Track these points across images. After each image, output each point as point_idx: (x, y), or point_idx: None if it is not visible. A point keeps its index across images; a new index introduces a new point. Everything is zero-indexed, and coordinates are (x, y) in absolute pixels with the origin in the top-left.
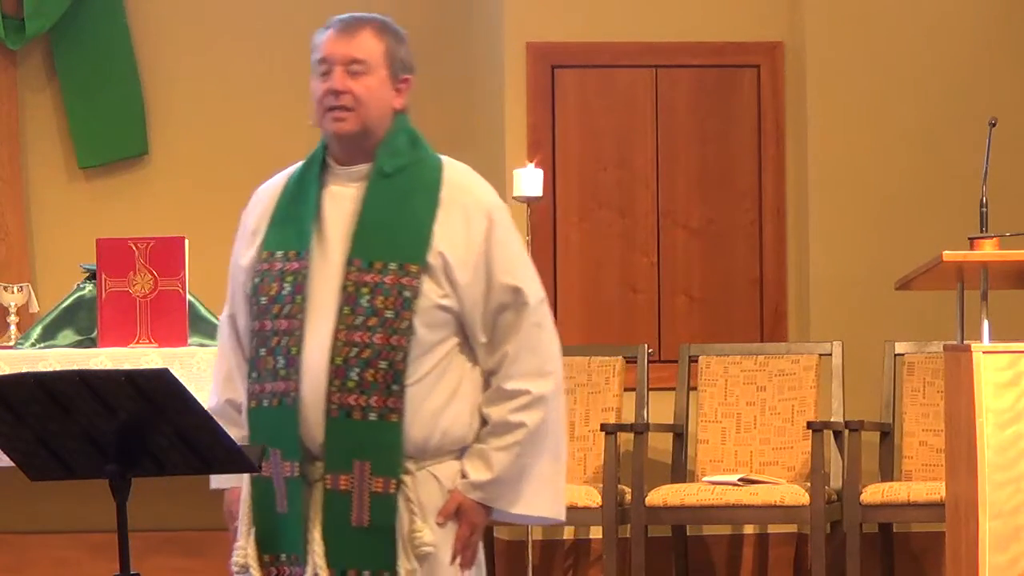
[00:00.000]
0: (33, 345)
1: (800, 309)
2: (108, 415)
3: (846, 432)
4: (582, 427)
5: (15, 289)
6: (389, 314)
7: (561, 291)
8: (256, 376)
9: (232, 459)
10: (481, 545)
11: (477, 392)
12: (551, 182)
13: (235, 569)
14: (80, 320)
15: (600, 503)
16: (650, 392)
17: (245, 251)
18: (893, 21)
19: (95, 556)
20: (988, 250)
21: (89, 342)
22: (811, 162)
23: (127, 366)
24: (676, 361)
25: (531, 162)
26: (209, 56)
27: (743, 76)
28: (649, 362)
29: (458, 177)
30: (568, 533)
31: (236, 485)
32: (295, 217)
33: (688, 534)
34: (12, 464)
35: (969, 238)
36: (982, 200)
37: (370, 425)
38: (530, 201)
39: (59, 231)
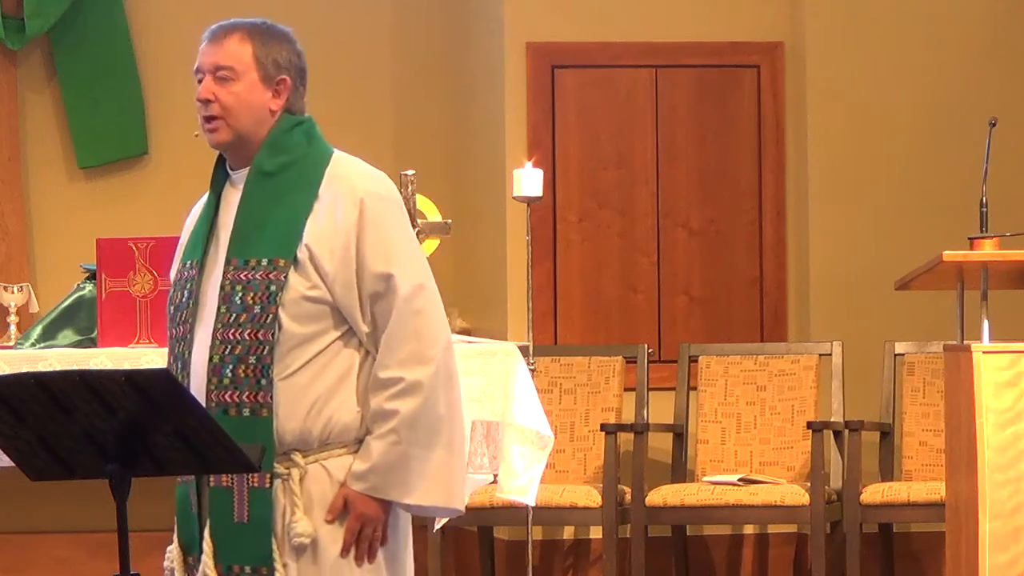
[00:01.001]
0: (33, 345)
1: (800, 309)
2: (108, 415)
3: (846, 432)
4: (582, 427)
5: (15, 289)
6: (257, 309)
7: (561, 291)
8: None
9: (232, 459)
10: (409, 545)
11: (368, 383)
12: (551, 182)
13: (167, 573)
14: (80, 320)
15: (600, 503)
16: (650, 392)
17: (173, 264)
18: (893, 21)
19: (95, 556)
20: (988, 250)
21: (89, 342)
22: (811, 162)
23: (127, 366)
24: (676, 361)
25: (531, 162)
26: None
27: (743, 76)
28: (649, 362)
29: (340, 169)
30: (568, 533)
31: None
32: (199, 229)
33: (688, 534)
34: (12, 464)
35: (969, 238)
36: (982, 200)
37: (243, 421)
38: (530, 201)
39: (59, 231)
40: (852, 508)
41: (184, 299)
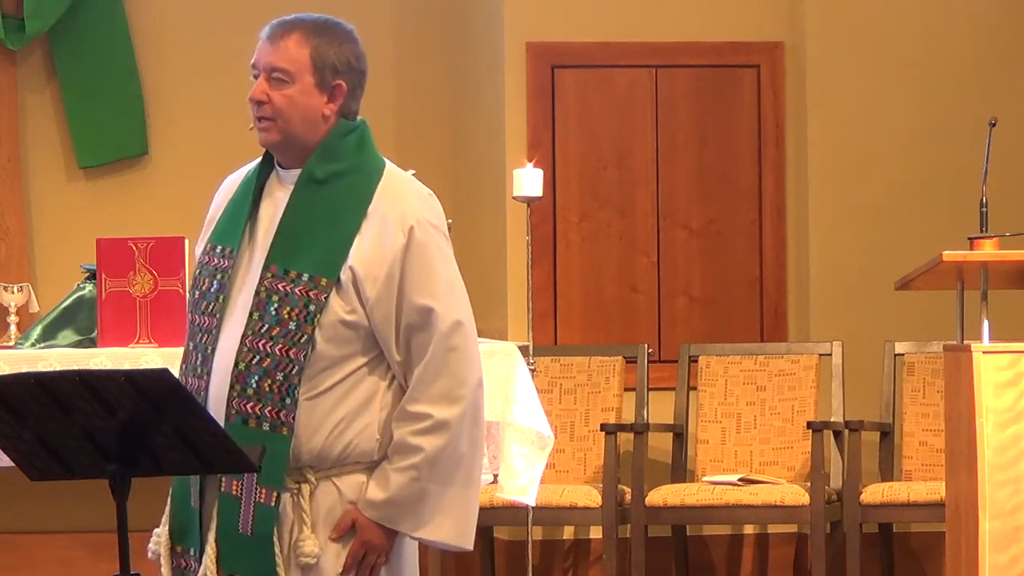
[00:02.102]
0: (33, 345)
1: (800, 309)
2: (108, 415)
3: (846, 432)
4: (582, 427)
5: (15, 289)
6: (292, 325)
7: (561, 291)
8: (186, 368)
9: (232, 459)
10: (413, 561)
11: (391, 409)
12: (551, 182)
13: (151, 556)
14: (80, 320)
15: (600, 503)
16: (650, 392)
17: (201, 239)
18: (893, 21)
19: (95, 556)
20: (988, 250)
21: (89, 342)
22: (811, 162)
23: (127, 366)
24: (676, 361)
25: (531, 162)
26: (209, 56)
27: (743, 76)
28: (649, 362)
29: (392, 188)
30: (568, 533)
31: None
32: (236, 213)
33: (688, 534)
34: (12, 464)
35: (969, 238)
36: (982, 200)
37: (262, 435)
38: (530, 201)
39: (59, 231)
40: (852, 508)
41: (213, 288)
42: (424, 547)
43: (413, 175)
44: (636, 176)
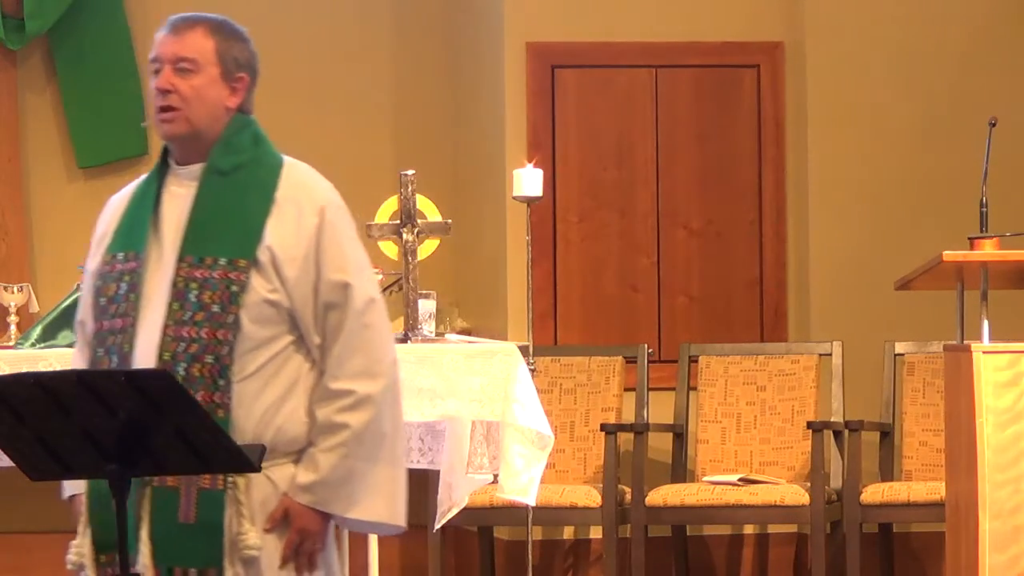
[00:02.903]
0: (33, 345)
1: (800, 309)
2: (108, 415)
3: (846, 432)
4: (582, 427)
5: (15, 289)
6: (215, 308)
7: (561, 291)
8: None
9: (232, 459)
10: (334, 547)
11: (313, 392)
12: (551, 182)
13: (70, 567)
14: None
15: (600, 503)
16: (650, 392)
17: (94, 257)
18: (893, 21)
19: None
20: (988, 250)
21: None
22: (811, 162)
23: None
24: (676, 361)
25: (531, 162)
26: None
27: (743, 76)
28: (649, 362)
29: (296, 175)
30: (568, 533)
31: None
32: (137, 219)
33: (688, 534)
34: (12, 464)
35: (969, 238)
36: (982, 200)
37: None
38: (530, 201)
39: (59, 231)
40: (852, 508)
41: (122, 291)
42: (424, 545)
43: (412, 175)
44: (636, 176)
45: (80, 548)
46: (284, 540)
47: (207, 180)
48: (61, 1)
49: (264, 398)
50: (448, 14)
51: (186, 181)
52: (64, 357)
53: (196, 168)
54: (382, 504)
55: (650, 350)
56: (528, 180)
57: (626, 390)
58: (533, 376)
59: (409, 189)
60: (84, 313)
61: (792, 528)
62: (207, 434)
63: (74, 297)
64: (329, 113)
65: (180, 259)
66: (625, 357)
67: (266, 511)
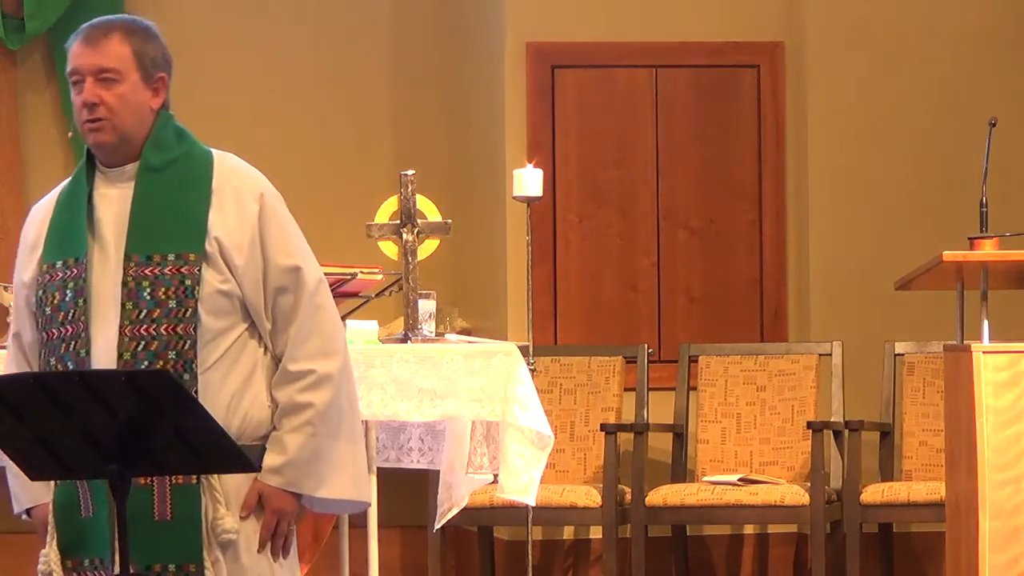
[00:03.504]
0: None
1: (800, 309)
2: (108, 415)
3: (846, 432)
4: (582, 427)
5: None
6: (172, 304)
7: (561, 291)
8: None
9: (232, 459)
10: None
11: (271, 377)
12: (551, 182)
13: None
14: None
15: (600, 503)
16: (650, 392)
17: (26, 268)
18: (893, 21)
19: None
20: (988, 250)
21: None
22: (811, 162)
23: None
24: (676, 361)
25: (531, 162)
26: (209, 56)
27: (743, 76)
28: (649, 362)
29: (228, 164)
30: (568, 533)
31: (45, 500)
32: (69, 226)
33: (688, 534)
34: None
35: (969, 238)
36: (982, 200)
37: None
38: (530, 201)
39: None
40: (852, 508)
41: (68, 298)
42: (424, 545)
43: (412, 175)
44: (636, 176)
45: (47, 556)
46: (259, 524)
47: (143, 179)
48: (61, 1)
49: (227, 387)
50: (448, 14)
51: (117, 182)
52: None
53: (127, 168)
54: (348, 481)
55: (650, 350)
56: (528, 180)
57: (626, 390)
58: (533, 376)
59: (409, 189)
60: (19, 324)
61: (792, 528)
62: (207, 434)
63: None
64: (329, 113)
65: (127, 258)
66: (625, 357)
67: (239, 497)
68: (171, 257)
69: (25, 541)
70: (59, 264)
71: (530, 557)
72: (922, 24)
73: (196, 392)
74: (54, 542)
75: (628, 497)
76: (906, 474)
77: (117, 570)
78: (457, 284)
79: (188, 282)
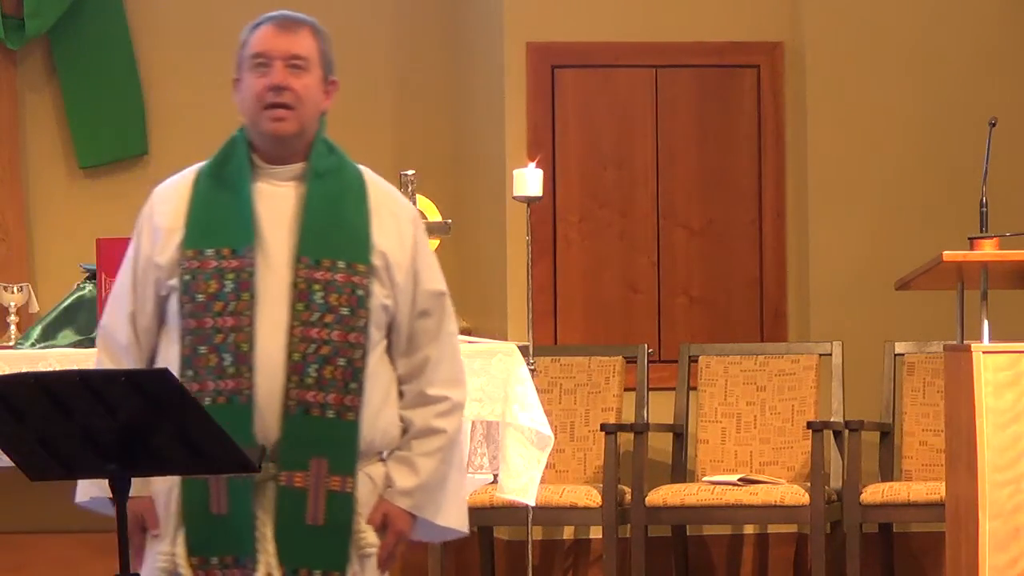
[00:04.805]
0: (33, 345)
1: (800, 309)
2: (108, 415)
3: (846, 432)
4: (582, 427)
5: (15, 289)
6: (345, 311)
7: (561, 291)
8: (193, 375)
9: (232, 459)
10: None
11: (397, 396)
12: (551, 182)
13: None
14: (80, 320)
15: (600, 503)
16: (650, 392)
17: (162, 250)
18: (893, 21)
19: (95, 556)
20: (988, 250)
21: (89, 342)
22: (811, 162)
23: None
24: (676, 361)
25: (531, 162)
26: (209, 56)
27: (743, 76)
28: (649, 362)
29: (381, 184)
30: (568, 533)
31: (143, 493)
32: (223, 215)
33: (688, 534)
34: (12, 464)
35: (969, 238)
36: (982, 200)
37: (328, 422)
38: (530, 201)
39: (59, 231)
40: (852, 508)
41: (228, 289)
42: (424, 545)
43: (413, 175)
44: (636, 176)
45: (171, 554)
46: (381, 544)
47: (313, 182)
48: (61, 1)
49: (374, 401)
50: (448, 14)
51: (278, 180)
52: (64, 357)
53: (292, 168)
54: (458, 510)
55: (650, 350)
56: (528, 180)
57: (626, 390)
58: (533, 376)
59: (409, 189)
60: (137, 305)
61: (792, 528)
62: (207, 434)
63: (74, 297)
64: (329, 113)
65: (297, 260)
66: (625, 357)
67: (366, 510)
68: (341, 264)
69: (25, 541)
70: (209, 252)
71: (530, 557)
72: (922, 24)
73: (360, 403)
74: (181, 542)
75: (628, 497)
76: (906, 474)
77: (262, 571)
78: (457, 284)
79: (360, 292)
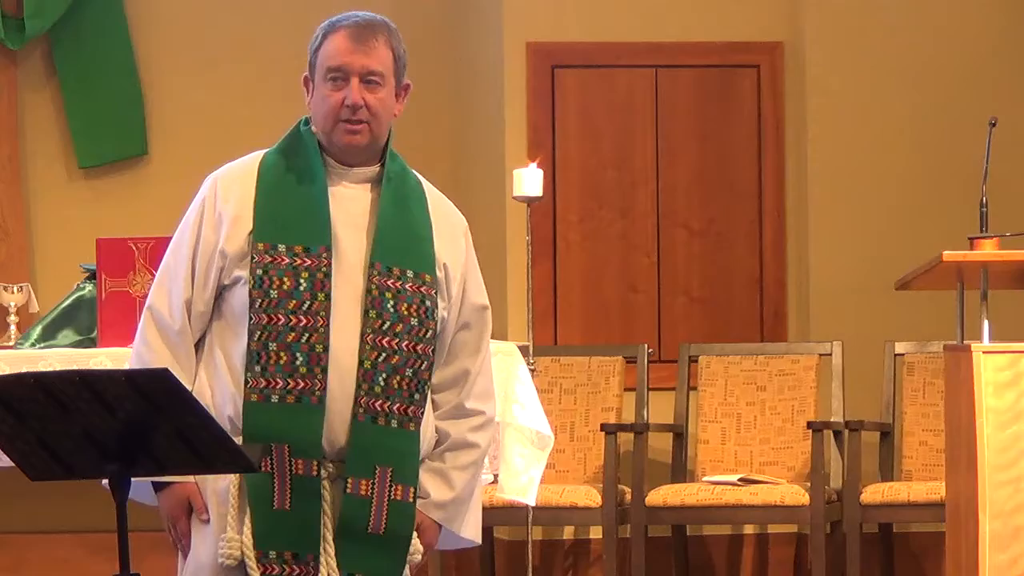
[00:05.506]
0: (33, 345)
1: (800, 309)
2: (108, 415)
3: (846, 432)
4: (582, 427)
5: (15, 289)
6: (414, 321)
7: (561, 291)
8: (260, 370)
9: (232, 459)
10: None
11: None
12: (551, 182)
13: (223, 561)
14: (80, 320)
15: (600, 503)
16: (650, 392)
17: (230, 239)
18: (893, 21)
19: (95, 556)
20: (988, 250)
21: (89, 342)
22: (811, 162)
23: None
24: (676, 361)
25: (531, 162)
26: (209, 56)
27: (743, 76)
28: (649, 362)
29: (436, 192)
30: (568, 533)
31: (188, 480)
32: (295, 210)
33: (688, 534)
34: (12, 464)
35: (969, 238)
36: (982, 200)
37: (392, 432)
38: (530, 201)
39: (59, 231)
40: (852, 508)
41: (303, 287)
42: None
43: None
44: (636, 176)
45: (237, 541)
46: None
47: (387, 188)
48: (61, 1)
49: (427, 412)
50: (448, 14)
51: (351, 182)
52: (64, 357)
53: (365, 171)
54: (475, 523)
55: (650, 350)
56: (528, 180)
57: (626, 390)
58: (533, 376)
59: None
60: (190, 292)
61: (792, 528)
62: (207, 434)
63: (74, 297)
64: None
65: (370, 265)
66: (625, 357)
67: None
68: (410, 274)
69: (25, 541)
70: (282, 247)
71: (530, 557)
72: (922, 24)
73: (422, 414)
74: (246, 532)
75: (628, 497)
76: (906, 474)
77: (323, 572)
78: None
79: (428, 303)
